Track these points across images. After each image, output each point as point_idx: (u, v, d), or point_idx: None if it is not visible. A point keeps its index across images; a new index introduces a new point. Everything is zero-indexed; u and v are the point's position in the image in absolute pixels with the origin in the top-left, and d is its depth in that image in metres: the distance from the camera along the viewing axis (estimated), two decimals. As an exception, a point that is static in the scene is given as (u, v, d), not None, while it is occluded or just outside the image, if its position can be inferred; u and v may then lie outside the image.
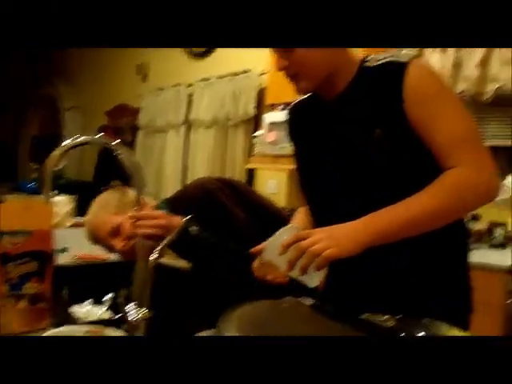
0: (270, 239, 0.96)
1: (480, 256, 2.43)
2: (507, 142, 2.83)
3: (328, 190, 1.14)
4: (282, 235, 0.95)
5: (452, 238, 1.09)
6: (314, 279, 0.92)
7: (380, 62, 1.07)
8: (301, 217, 1.28)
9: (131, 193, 1.49)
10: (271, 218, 1.45)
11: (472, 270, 1.14)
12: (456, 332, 0.87)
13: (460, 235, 1.12)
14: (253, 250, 1.08)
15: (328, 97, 1.12)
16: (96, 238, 1.50)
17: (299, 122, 1.25)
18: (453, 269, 1.11)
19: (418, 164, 1.02)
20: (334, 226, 0.93)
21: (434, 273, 1.08)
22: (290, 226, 1.00)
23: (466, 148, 0.98)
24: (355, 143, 1.07)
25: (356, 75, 1.09)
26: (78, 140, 1.10)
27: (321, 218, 1.16)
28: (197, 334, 0.94)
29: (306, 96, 1.23)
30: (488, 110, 2.92)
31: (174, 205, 1.41)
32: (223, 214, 1.38)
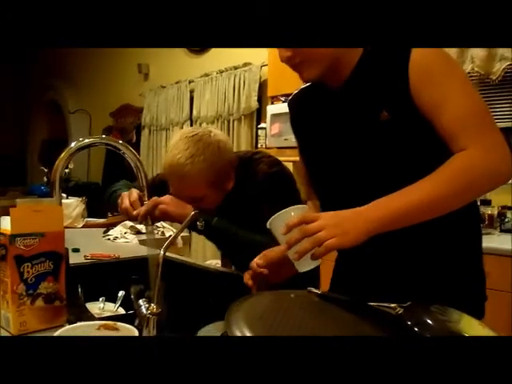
0: (278, 214, 0.94)
1: (491, 241, 2.41)
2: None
3: (337, 176, 1.12)
4: (291, 213, 0.93)
5: (465, 223, 1.07)
6: (306, 264, 0.91)
7: None
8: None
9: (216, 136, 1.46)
10: None
11: (483, 255, 1.11)
12: (468, 319, 0.84)
13: (473, 221, 1.10)
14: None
15: (334, 84, 1.09)
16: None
17: (303, 113, 1.22)
18: (466, 255, 1.09)
19: (427, 147, 0.99)
20: (340, 212, 0.91)
21: (447, 259, 1.06)
22: (300, 206, 0.97)
23: (475, 129, 0.94)
24: (362, 127, 1.05)
25: (360, 60, 1.06)
26: (84, 142, 1.14)
27: (329, 204, 1.12)
28: (206, 326, 0.96)
29: (305, 86, 1.21)
30: (497, 90, 2.80)
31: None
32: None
